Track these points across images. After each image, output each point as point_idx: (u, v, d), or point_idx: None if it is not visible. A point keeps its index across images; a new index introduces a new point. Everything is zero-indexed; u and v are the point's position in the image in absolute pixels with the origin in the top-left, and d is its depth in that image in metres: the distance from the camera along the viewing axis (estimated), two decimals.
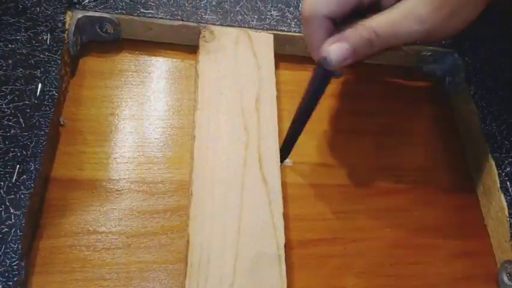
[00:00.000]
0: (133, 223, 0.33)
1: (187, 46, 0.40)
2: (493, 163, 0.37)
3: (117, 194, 0.33)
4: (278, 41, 0.40)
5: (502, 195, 0.36)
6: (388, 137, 0.41)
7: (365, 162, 0.39)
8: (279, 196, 0.33)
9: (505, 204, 0.36)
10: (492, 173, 0.37)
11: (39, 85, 0.33)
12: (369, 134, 0.40)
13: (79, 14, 0.37)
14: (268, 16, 0.40)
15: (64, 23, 0.36)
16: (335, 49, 0.30)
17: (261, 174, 0.34)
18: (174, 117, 0.37)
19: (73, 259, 0.31)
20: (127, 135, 0.36)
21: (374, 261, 0.35)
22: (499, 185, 0.37)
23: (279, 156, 0.35)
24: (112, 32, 0.38)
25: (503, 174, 0.37)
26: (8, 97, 0.32)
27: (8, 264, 0.27)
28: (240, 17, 0.40)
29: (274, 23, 0.40)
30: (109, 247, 0.31)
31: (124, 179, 0.34)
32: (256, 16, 0.40)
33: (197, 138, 0.34)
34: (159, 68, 0.39)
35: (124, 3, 0.38)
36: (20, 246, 0.28)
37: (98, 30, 0.38)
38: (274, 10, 0.41)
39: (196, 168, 0.33)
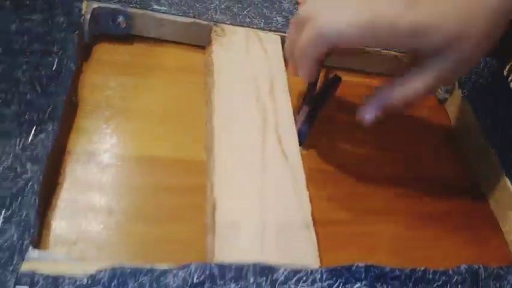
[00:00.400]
0: (150, 197, 0.31)
1: (197, 46, 0.41)
2: (494, 153, 0.39)
3: (133, 168, 0.32)
4: (283, 44, 0.41)
5: (508, 181, 0.37)
6: (389, 136, 0.42)
7: (371, 158, 0.39)
8: (300, 169, 0.33)
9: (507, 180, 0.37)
10: (495, 163, 0.39)
11: (56, 59, 0.33)
12: (371, 134, 0.41)
13: (95, 5, 0.37)
14: (274, 21, 0.42)
15: (80, 10, 0.36)
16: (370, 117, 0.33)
17: (280, 150, 0.33)
18: (186, 102, 0.37)
19: (89, 232, 0.28)
20: (141, 116, 0.35)
21: (394, 242, 0.34)
22: (504, 171, 0.38)
23: (296, 135, 0.35)
24: (124, 26, 0.39)
25: (505, 162, 0.38)
26: (24, 67, 0.32)
27: (24, 215, 0.25)
28: (248, 19, 0.41)
29: (280, 27, 0.42)
30: (126, 219, 0.29)
31: (140, 155, 0.33)
32: (263, 20, 0.42)
33: (216, 114, 0.34)
34: (169, 60, 0.40)
35: (137, 1, 0.39)
36: (36, 200, 0.26)
37: (111, 23, 0.39)
38: (279, 16, 0.43)
39: (217, 142, 0.32)
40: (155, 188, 0.32)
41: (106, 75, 0.37)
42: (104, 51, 0.38)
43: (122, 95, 0.36)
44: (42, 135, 0.28)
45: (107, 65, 0.37)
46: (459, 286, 0.30)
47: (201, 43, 0.41)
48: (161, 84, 0.38)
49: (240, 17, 0.41)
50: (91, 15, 0.37)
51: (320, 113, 0.38)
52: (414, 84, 0.31)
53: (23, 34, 0.33)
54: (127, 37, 0.39)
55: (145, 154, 0.33)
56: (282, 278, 0.27)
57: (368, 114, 0.33)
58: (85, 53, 0.37)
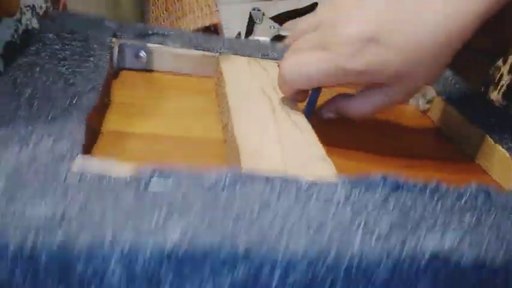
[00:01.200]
0: (179, 157, 0.34)
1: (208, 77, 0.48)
2: (479, 130, 0.43)
3: (163, 140, 0.36)
4: None
5: (499, 146, 0.41)
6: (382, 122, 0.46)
7: (365, 139, 0.43)
8: (311, 131, 0.36)
9: (504, 150, 0.40)
10: (482, 136, 0.43)
11: (93, 64, 0.39)
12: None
13: (121, 41, 0.45)
14: (270, 54, 0.50)
15: (110, 40, 0.44)
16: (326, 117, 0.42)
17: (290, 120, 0.38)
18: (201, 109, 0.43)
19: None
20: (167, 116, 0.40)
21: None
22: (492, 141, 0.42)
23: (302, 113, 0.39)
24: (145, 61, 0.46)
25: (494, 135, 0.42)
26: (66, 66, 0.37)
27: (74, 135, 0.28)
28: (248, 52, 0.49)
29: (276, 57, 0.50)
30: None
31: (168, 136, 0.37)
32: (260, 53, 0.50)
33: (230, 99, 0.39)
34: (184, 84, 0.46)
35: (155, 41, 0.47)
36: (84, 126, 0.29)
37: (134, 58, 0.46)
38: (274, 52, 0.51)
39: (233, 113, 0.37)
40: (190, 154, 0.36)
41: (131, 91, 0.43)
42: (127, 78, 0.45)
43: (145, 103, 0.41)
44: (85, 98, 0.33)
45: (131, 86, 0.44)
46: (474, 200, 0.31)
47: (210, 74, 0.48)
48: (179, 99, 0.44)
49: (241, 51, 0.49)
50: (118, 49, 0.44)
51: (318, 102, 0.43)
52: (371, 101, 0.39)
53: (65, 50, 0.40)
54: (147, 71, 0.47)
55: (177, 135, 0.38)
56: (305, 187, 0.29)
57: (325, 115, 0.41)
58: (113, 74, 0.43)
